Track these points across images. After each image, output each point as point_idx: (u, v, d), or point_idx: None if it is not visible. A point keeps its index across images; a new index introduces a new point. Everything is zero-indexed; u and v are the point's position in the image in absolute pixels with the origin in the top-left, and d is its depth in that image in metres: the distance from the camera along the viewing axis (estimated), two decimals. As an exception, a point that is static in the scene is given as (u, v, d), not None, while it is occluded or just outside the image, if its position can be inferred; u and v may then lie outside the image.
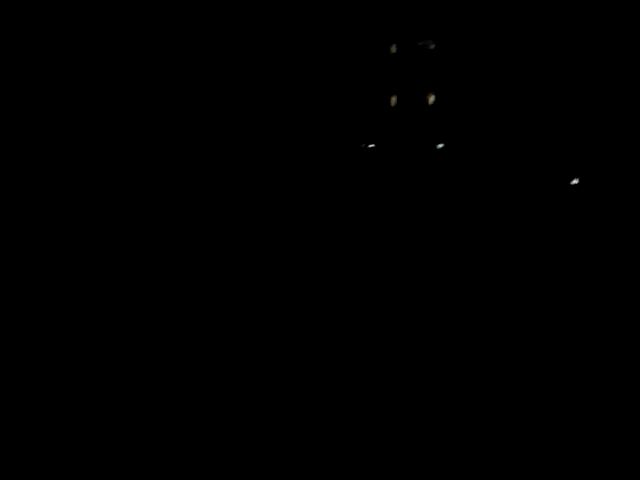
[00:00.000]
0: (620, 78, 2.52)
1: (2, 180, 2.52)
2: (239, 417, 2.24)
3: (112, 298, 2.49)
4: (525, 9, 2.57)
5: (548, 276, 2.50)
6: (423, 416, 2.25)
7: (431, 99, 2.62)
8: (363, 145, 2.64)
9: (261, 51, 2.64)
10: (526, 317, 2.45)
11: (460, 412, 2.26)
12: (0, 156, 2.52)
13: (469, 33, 2.61)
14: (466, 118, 2.61)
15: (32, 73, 2.55)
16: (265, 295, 2.54)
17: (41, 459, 2.12)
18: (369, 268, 2.57)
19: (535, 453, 2.15)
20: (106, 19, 2.55)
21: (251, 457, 2.14)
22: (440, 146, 2.61)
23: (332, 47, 2.65)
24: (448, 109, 2.62)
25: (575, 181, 2.53)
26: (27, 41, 2.54)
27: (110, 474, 2.09)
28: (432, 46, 2.62)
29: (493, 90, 2.60)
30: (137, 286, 2.51)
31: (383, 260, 2.57)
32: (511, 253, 2.52)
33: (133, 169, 2.59)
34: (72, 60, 2.57)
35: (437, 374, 2.36)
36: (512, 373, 2.32)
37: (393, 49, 2.64)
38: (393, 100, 2.64)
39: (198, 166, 2.62)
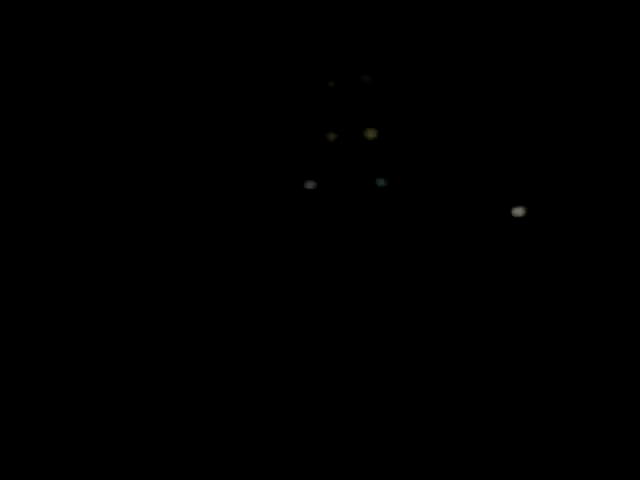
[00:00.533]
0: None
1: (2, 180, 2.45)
2: (239, 417, 2.21)
3: (112, 298, 2.41)
4: (462, 42, 2.54)
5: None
6: (423, 416, 2.21)
7: (371, 134, 2.54)
8: (300, 183, 2.53)
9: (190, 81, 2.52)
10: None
11: (460, 412, 2.22)
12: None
13: (409, 65, 2.56)
14: (409, 153, 2.54)
15: (32, 73, 2.47)
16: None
17: (41, 459, 2.11)
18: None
19: (535, 453, 2.12)
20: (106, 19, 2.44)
21: (251, 457, 2.12)
22: (382, 183, 2.52)
23: (266, 81, 2.54)
24: (389, 144, 2.54)
25: (519, 213, 2.48)
26: (27, 41, 2.46)
27: (110, 474, 2.08)
28: (369, 80, 2.55)
29: (435, 123, 2.55)
30: (136, 286, 2.43)
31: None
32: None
33: (131, 169, 2.49)
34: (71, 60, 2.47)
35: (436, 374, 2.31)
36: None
37: (331, 83, 2.56)
38: (331, 136, 2.54)
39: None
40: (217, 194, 2.51)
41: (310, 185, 2.52)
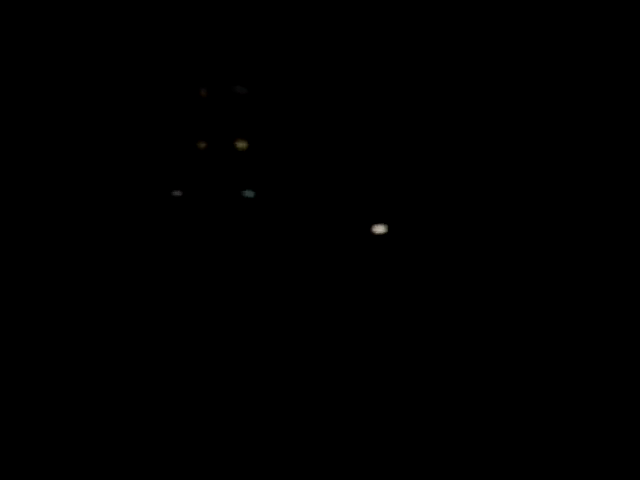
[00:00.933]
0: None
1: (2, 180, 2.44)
2: (239, 417, 2.23)
3: (110, 298, 2.43)
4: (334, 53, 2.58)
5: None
6: (423, 416, 2.24)
7: (241, 145, 2.57)
8: (170, 191, 2.54)
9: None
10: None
11: (460, 412, 2.25)
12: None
13: (282, 79, 2.58)
14: (277, 166, 2.57)
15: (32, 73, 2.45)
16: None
17: (41, 459, 2.12)
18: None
19: (535, 453, 2.15)
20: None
21: (251, 457, 2.14)
22: (249, 194, 2.55)
23: (137, 87, 2.54)
24: (259, 156, 2.57)
25: (381, 230, 2.54)
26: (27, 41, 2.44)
27: (110, 474, 2.10)
28: (243, 91, 2.57)
29: (305, 138, 2.59)
30: (135, 286, 2.45)
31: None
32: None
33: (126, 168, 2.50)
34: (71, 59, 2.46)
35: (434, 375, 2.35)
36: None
37: (203, 93, 2.57)
38: (202, 145, 2.56)
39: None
40: (83, 199, 2.50)
41: (177, 193, 2.54)
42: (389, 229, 2.54)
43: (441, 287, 2.52)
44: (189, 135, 2.56)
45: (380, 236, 2.54)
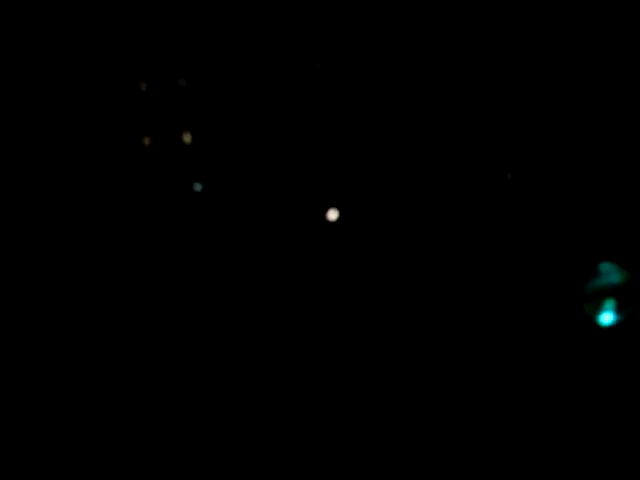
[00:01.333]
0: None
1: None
2: (239, 418, 2.21)
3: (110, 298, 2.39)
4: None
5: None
6: (423, 417, 2.19)
7: (187, 139, 2.52)
8: (120, 188, 2.49)
9: None
10: None
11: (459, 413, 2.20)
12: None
13: (223, 70, 2.54)
14: (225, 157, 2.53)
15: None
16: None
17: (41, 459, 2.10)
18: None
19: (535, 453, 2.12)
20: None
21: (251, 457, 2.13)
22: (197, 187, 2.50)
23: (77, 85, 2.49)
24: (205, 148, 2.53)
25: (334, 216, 2.49)
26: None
27: (110, 474, 2.09)
28: (184, 84, 2.52)
29: (253, 127, 2.54)
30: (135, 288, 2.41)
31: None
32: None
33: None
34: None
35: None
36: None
37: (143, 87, 2.52)
38: (146, 141, 2.51)
39: None
40: (25, 200, 2.46)
41: (127, 190, 2.49)
42: (343, 215, 2.49)
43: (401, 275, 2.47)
44: (133, 131, 2.51)
45: (335, 223, 2.49)
